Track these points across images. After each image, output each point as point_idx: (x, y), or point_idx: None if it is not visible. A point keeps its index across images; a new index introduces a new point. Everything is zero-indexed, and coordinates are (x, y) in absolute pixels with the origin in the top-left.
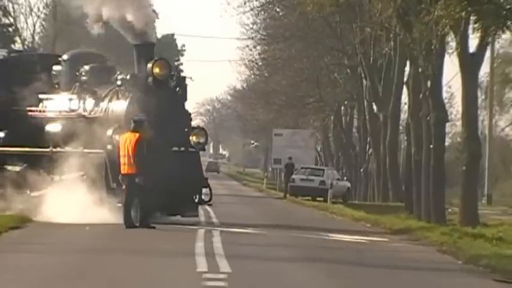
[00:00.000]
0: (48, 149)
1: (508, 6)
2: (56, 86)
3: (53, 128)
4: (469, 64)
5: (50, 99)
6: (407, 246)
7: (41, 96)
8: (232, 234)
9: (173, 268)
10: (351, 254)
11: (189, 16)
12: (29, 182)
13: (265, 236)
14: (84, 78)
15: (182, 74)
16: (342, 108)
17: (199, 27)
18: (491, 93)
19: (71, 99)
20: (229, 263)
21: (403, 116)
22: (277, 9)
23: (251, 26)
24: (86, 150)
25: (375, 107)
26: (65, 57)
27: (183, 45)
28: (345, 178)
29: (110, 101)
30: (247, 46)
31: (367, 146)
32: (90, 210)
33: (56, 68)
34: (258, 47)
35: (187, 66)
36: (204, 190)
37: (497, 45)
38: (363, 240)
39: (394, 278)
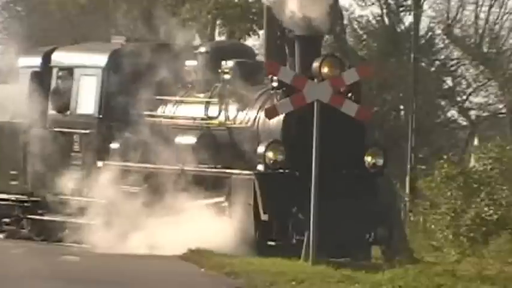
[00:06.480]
0: (177, 167)
1: (254, 10)
2: (189, 85)
3: (184, 140)
4: None
5: (181, 102)
6: (148, 255)
7: (166, 97)
8: None
9: None
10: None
11: None
12: (150, 207)
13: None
14: (227, 76)
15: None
16: None
17: None
18: None
19: (209, 104)
20: None
21: None
22: (19, 9)
23: None
24: (228, 171)
25: None
26: (202, 49)
27: None
28: None
29: (261, 107)
30: None
31: None
32: (230, 246)
33: (189, 63)
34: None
35: None
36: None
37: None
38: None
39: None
